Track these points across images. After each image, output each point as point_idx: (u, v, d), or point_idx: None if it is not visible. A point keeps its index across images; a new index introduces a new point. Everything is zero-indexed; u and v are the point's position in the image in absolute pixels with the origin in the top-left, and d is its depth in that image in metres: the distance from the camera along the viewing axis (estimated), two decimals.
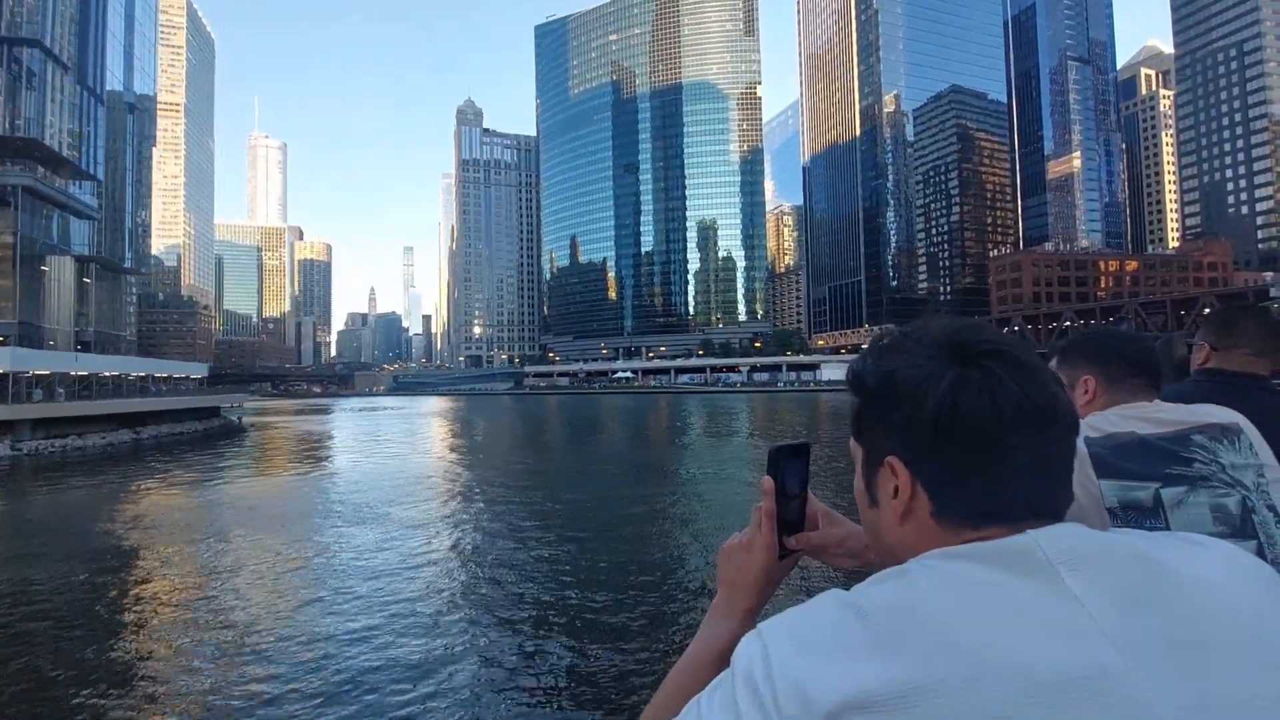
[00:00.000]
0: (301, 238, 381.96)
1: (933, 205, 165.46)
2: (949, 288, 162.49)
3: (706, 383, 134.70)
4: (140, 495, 22.16)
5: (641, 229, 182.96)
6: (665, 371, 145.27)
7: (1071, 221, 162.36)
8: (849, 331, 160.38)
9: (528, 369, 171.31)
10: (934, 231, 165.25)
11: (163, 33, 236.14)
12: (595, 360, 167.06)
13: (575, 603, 9.95)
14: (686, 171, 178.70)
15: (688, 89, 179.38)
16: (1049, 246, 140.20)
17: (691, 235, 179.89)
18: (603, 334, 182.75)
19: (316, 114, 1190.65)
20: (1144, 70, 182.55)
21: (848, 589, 0.61)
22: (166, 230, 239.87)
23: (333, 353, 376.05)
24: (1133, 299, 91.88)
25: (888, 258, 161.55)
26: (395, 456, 32.44)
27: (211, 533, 15.79)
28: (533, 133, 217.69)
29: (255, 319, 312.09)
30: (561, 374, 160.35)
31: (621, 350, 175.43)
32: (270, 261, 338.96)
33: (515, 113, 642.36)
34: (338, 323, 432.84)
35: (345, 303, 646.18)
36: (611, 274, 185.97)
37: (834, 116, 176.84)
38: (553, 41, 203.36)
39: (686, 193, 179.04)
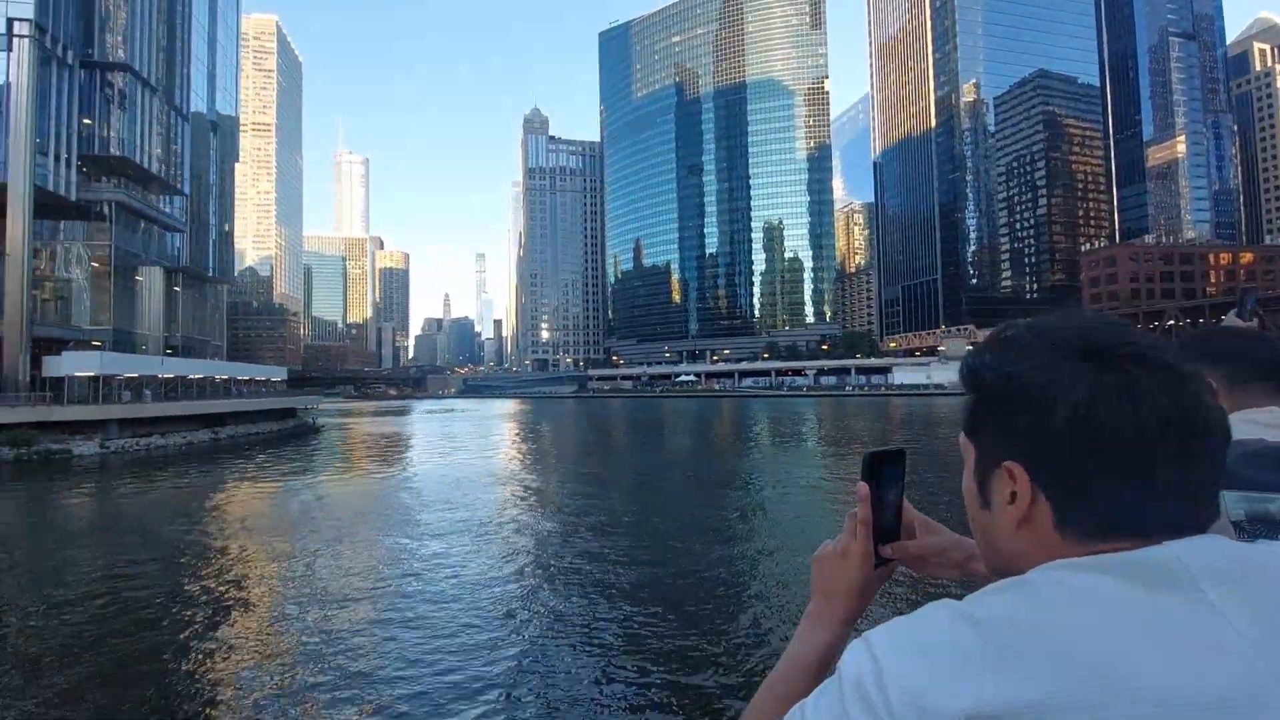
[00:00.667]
0: (382, 247, 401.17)
1: (1017, 198, 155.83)
2: (1036, 285, 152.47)
3: (771, 386, 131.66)
4: (209, 492, 23.06)
5: (706, 230, 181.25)
6: (729, 375, 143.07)
7: (1175, 211, 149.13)
8: (924, 333, 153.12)
9: (591, 372, 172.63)
10: (1018, 226, 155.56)
11: (256, 58, 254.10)
12: (659, 364, 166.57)
13: (646, 618, 9.49)
14: (751, 171, 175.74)
15: (752, 87, 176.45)
16: (1149, 239, 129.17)
17: (757, 236, 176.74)
18: (667, 337, 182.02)
19: (394, 126, 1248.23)
20: (1257, 45, 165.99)
21: (959, 599, 0.58)
22: (260, 242, 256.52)
23: (410, 356, 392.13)
24: (1248, 293, 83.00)
25: (967, 255, 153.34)
26: (461, 460, 32.20)
27: (269, 530, 16.21)
28: (597, 138, 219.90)
29: (341, 324, 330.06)
30: (625, 377, 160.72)
31: (685, 353, 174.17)
32: (353, 270, 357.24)
33: (580, 120, 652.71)
34: (415, 327, 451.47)
35: (422, 308, 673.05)
36: (675, 277, 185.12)
37: (907, 108, 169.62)
38: (616, 47, 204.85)
39: (751, 193, 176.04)
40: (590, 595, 10.54)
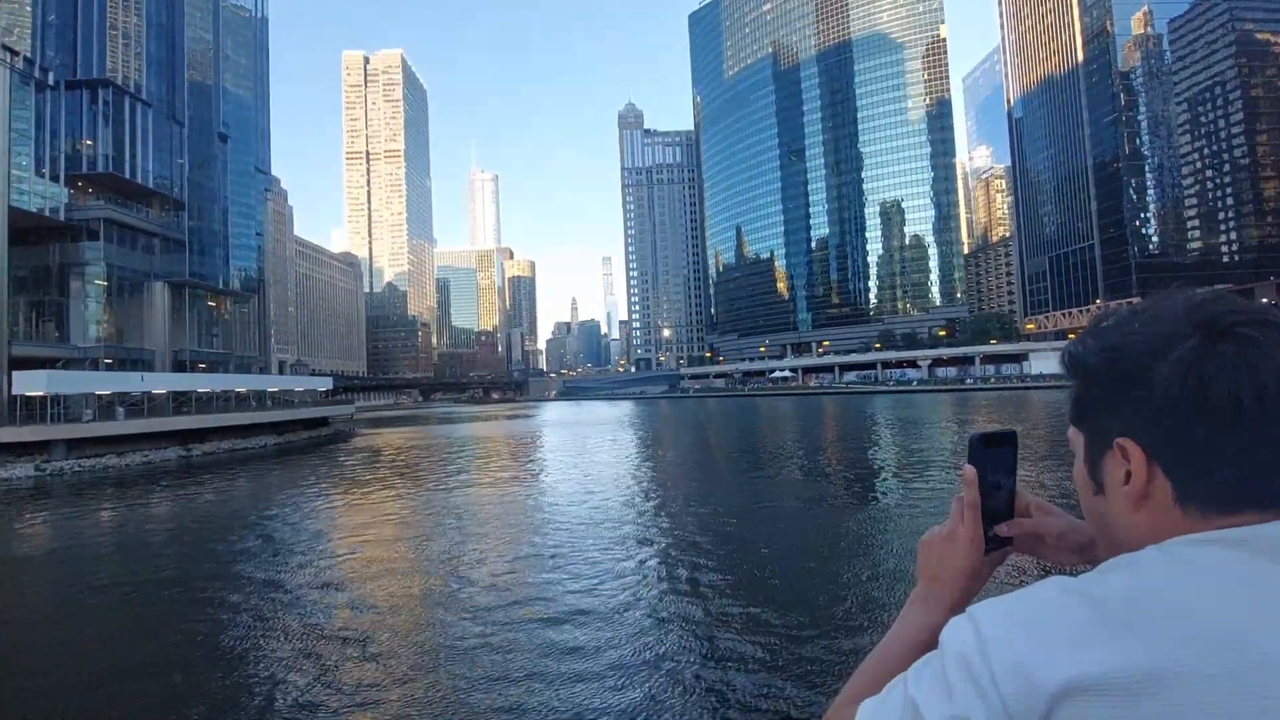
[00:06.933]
0: (511, 257, 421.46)
1: (1201, 140, 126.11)
2: (1235, 245, 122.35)
3: (876, 380, 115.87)
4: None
5: (812, 213, 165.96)
6: (829, 369, 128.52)
7: None
8: (1075, 311, 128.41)
9: (683, 371, 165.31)
10: (1206, 174, 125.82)
11: (385, 90, 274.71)
12: (756, 359, 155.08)
13: None
14: (861, 141, 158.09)
15: (858, 46, 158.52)
16: None
17: (871, 213, 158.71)
18: (771, 330, 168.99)
19: (516, 139, 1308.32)
20: None
21: (1071, 577, 0.56)
22: (395, 260, 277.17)
23: (542, 361, 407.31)
24: None
25: (1134, 214, 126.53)
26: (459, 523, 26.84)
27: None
28: (692, 127, 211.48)
29: (475, 332, 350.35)
30: (718, 375, 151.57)
31: (791, 346, 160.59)
32: (483, 281, 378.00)
33: (678, 112, 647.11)
34: (544, 332, 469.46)
35: (553, 312, 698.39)
36: (780, 266, 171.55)
37: (1047, 45, 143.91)
38: (705, 27, 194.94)
39: (863, 163, 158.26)
40: None
